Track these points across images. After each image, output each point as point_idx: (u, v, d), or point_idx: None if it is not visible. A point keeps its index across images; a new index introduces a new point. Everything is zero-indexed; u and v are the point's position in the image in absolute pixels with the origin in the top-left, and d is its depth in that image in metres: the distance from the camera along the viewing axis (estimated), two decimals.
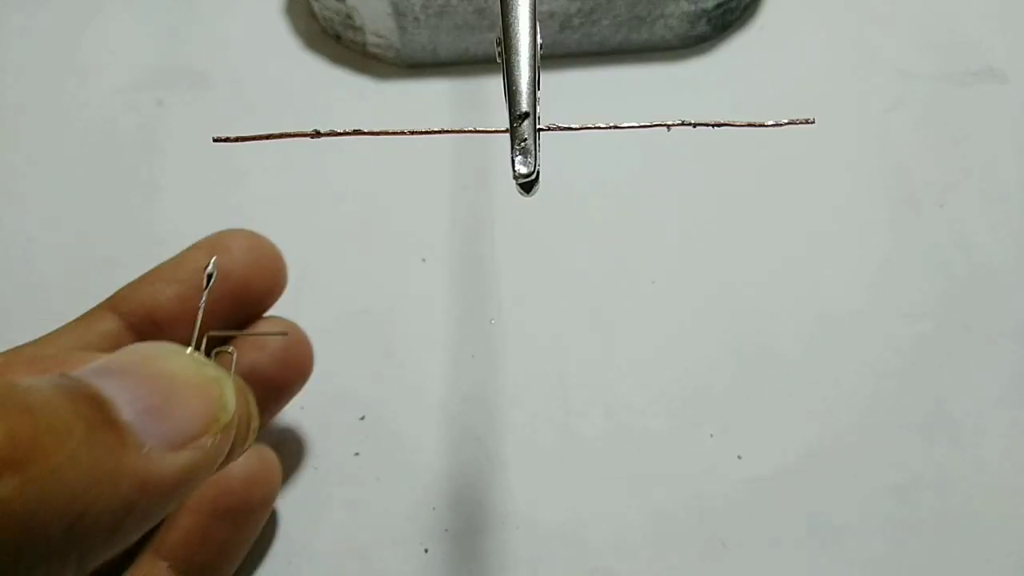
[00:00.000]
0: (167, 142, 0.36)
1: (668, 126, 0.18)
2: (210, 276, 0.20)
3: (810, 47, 0.38)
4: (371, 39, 0.37)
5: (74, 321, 0.24)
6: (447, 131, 0.17)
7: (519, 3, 0.18)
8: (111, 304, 0.24)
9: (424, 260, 0.32)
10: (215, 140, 0.19)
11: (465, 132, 0.18)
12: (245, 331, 0.25)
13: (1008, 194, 0.33)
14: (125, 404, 0.15)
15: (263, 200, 0.34)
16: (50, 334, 0.23)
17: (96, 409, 0.15)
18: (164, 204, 0.34)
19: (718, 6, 0.36)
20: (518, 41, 0.18)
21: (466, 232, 0.33)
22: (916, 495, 0.27)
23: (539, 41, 0.18)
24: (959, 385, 0.29)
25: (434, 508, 0.27)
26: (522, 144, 0.18)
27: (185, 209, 0.34)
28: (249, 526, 0.26)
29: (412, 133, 0.18)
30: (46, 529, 0.13)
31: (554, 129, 0.18)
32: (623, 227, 0.33)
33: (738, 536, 0.27)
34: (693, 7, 0.36)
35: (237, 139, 0.20)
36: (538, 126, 0.18)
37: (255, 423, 0.20)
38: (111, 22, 0.40)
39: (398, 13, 0.35)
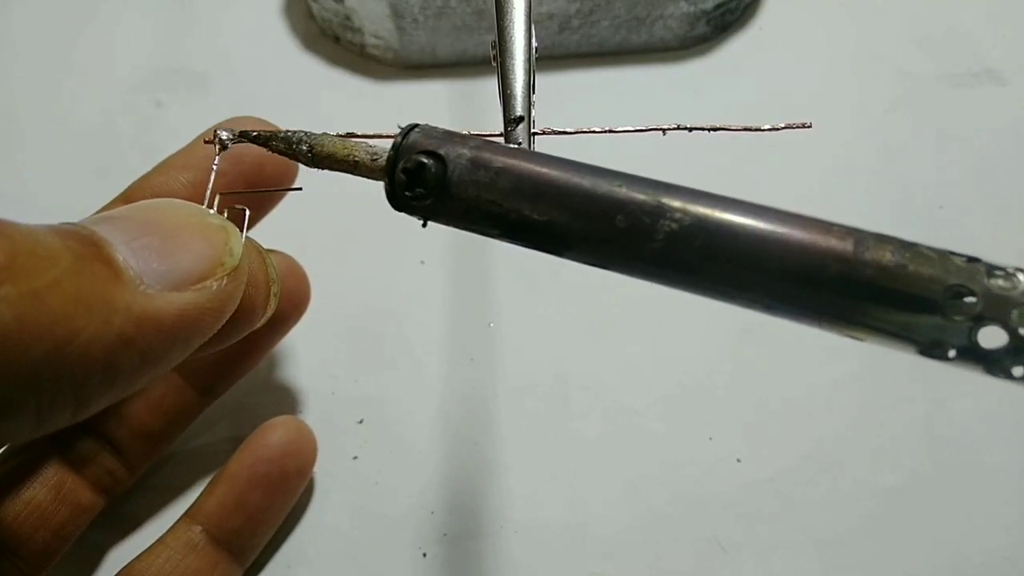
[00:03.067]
0: (166, 143, 0.36)
1: (664, 130, 0.18)
2: (223, 140, 0.20)
3: (809, 48, 0.37)
4: (370, 40, 0.37)
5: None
6: None
7: (514, 7, 0.18)
8: (125, 198, 0.23)
9: (423, 263, 0.32)
10: (206, 142, 0.19)
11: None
12: (257, 190, 0.24)
13: (1008, 195, 0.33)
14: (121, 244, 0.15)
15: None
16: None
17: (87, 244, 0.15)
18: None
19: (717, 7, 0.36)
20: (513, 45, 0.18)
21: (465, 234, 0.33)
22: (915, 497, 0.27)
23: (535, 45, 0.18)
24: (959, 385, 0.29)
25: (432, 512, 0.27)
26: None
27: None
28: (283, 496, 0.26)
29: None
30: (27, 349, 0.13)
31: (549, 133, 0.18)
32: None
33: (737, 539, 0.26)
34: (692, 8, 0.35)
35: (232, 141, 0.20)
36: (532, 130, 0.18)
37: (276, 288, 0.20)
38: (110, 23, 0.40)
39: (397, 14, 0.35)
